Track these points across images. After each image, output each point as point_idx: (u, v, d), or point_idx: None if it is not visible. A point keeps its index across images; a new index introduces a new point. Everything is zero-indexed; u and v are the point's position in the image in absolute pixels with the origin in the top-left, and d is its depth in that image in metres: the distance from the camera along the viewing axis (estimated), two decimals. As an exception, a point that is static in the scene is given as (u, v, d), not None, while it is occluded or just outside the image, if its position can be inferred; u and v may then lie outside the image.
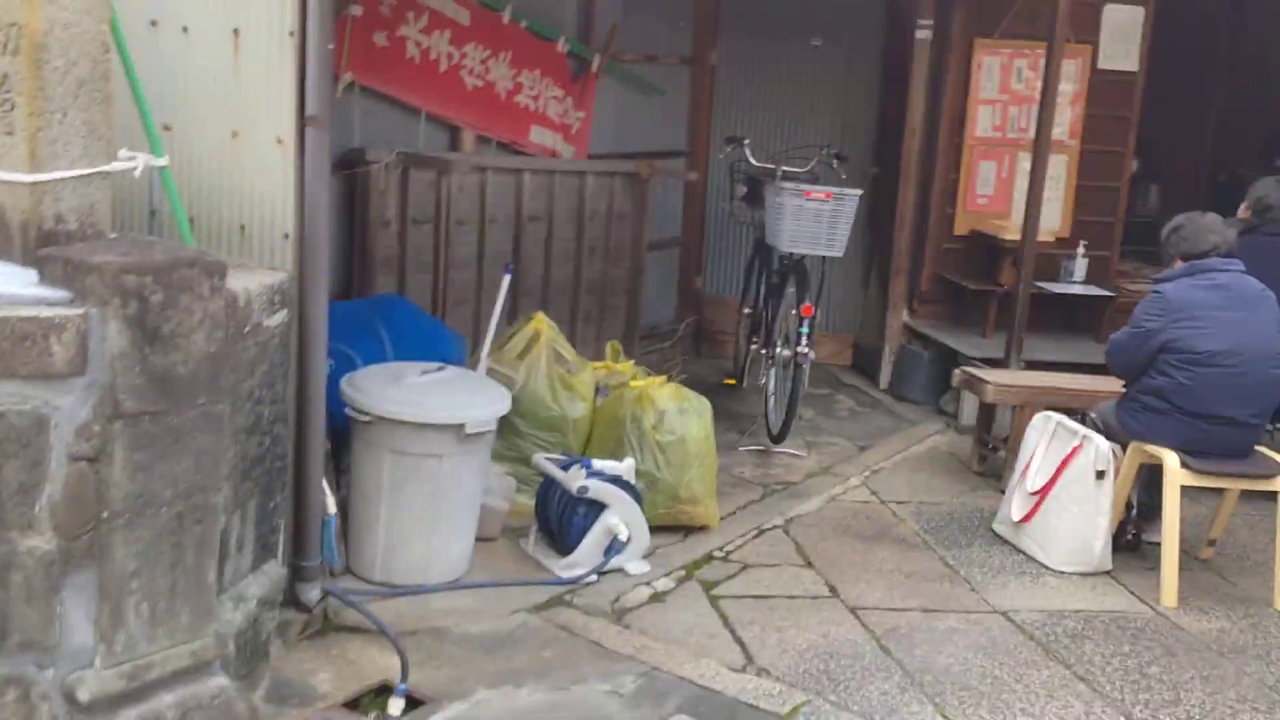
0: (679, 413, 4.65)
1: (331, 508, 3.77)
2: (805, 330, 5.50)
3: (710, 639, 3.89)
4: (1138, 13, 6.87)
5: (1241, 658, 4.05)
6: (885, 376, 7.10)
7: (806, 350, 5.50)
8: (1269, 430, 4.98)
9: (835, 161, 6.15)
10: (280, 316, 3.28)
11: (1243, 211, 5.49)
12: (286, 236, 3.40)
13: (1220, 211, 4.95)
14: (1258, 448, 4.61)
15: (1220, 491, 4.77)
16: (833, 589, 4.35)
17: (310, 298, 3.44)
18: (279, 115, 3.36)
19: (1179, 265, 4.63)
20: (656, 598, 4.16)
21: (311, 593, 3.60)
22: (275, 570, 3.46)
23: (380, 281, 5.37)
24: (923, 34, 6.77)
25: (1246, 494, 4.79)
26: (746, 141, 6.30)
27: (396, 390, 3.97)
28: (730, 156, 6.51)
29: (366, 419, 3.92)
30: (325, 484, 3.68)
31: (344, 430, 4.06)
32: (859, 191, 5.70)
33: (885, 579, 4.47)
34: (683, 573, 4.37)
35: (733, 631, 3.95)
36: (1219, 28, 8.30)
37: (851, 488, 5.45)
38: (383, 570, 4.02)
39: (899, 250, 7.02)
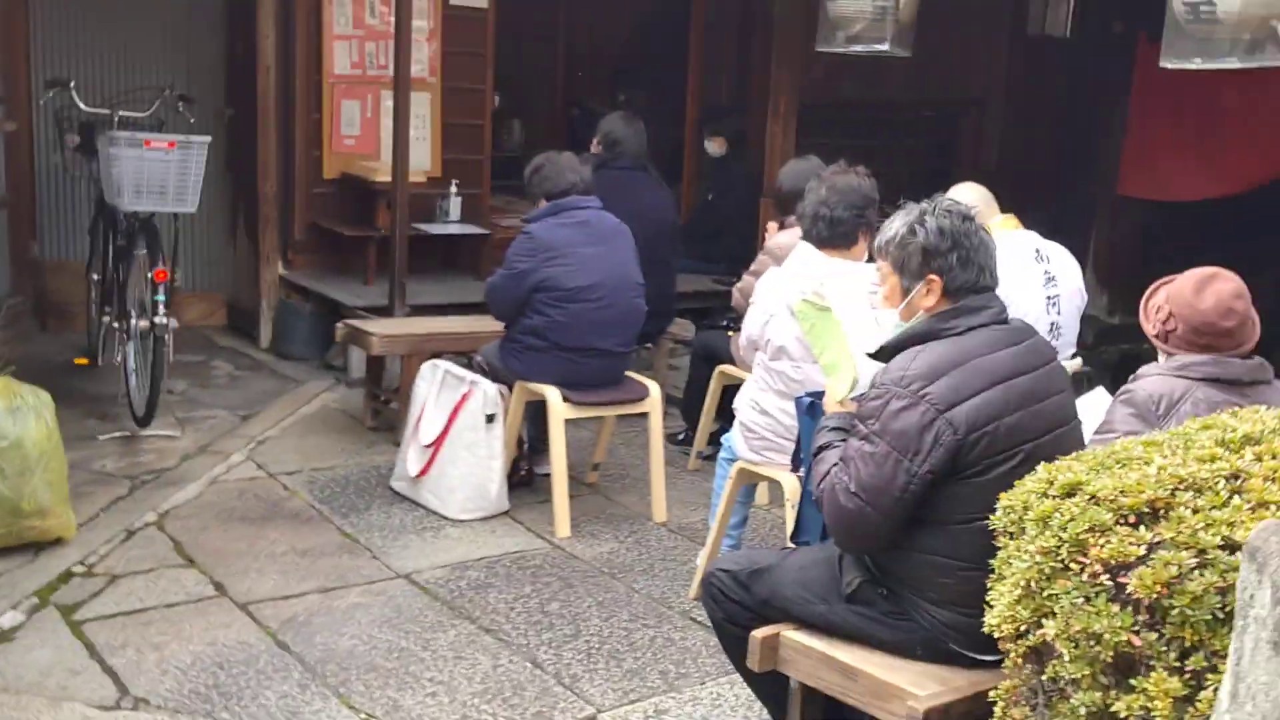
0: (9, 413, 3.89)
1: None
2: (162, 297, 4.90)
3: (74, 676, 3.31)
4: (481, -53, 6.90)
5: (630, 575, 4.25)
6: (265, 335, 6.62)
7: (165, 320, 4.90)
8: (638, 351, 5.28)
9: (181, 104, 5.53)
10: None
11: (595, 147, 5.71)
12: None
13: (573, 145, 5.10)
14: (628, 373, 4.85)
15: (600, 418, 4.98)
16: (220, 587, 3.91)
17: None
18: None
19: (543, 205, 4.69)
20: (3, 637, 3.48)
21: None
22: None
23: None
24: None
25: (622, 416, 5.05)
26: (72, 83, 5.45)
27: None
28: (55, 101, 5.64)
29: None
30: None
31: None
32: (207, 138, 5.13)
33: (278, 564, 4.11)
34: (35, 600, 3.70)
35: (101, 661, 3.40)
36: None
37: (235, 465, 4.98)
38: None
39: (265, 198, 6.53)
